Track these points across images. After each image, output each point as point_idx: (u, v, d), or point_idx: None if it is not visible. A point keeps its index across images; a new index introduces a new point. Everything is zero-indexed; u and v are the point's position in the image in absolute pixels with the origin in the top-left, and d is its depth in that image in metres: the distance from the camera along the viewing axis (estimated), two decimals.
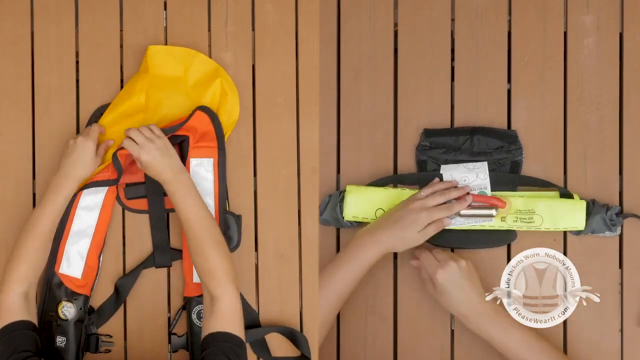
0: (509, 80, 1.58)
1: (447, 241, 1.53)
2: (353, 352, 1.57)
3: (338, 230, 1.58)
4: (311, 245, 1.52)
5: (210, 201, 1.49)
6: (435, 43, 1.59)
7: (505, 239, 1.54)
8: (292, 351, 1.51)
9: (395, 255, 1.58)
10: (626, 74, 1.57)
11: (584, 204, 1.51)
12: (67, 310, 1.45)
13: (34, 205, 1.51)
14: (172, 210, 1.50)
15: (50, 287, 1.46)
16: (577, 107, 1.57)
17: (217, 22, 1.54)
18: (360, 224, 1.56)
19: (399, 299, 1.58)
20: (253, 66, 1.54)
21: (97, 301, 1.50)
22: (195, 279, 1.48)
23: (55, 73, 1.52)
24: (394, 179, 1.57)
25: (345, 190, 1.55)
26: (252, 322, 1.51)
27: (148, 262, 1.51)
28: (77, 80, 1.53)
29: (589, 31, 1.57)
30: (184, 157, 1.49)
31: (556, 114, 1.57)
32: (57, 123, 1.51)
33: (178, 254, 1.51)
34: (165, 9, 1.54)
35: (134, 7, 1.54)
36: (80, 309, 1.46)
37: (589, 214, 1.51)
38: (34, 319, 1.36)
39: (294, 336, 1.50)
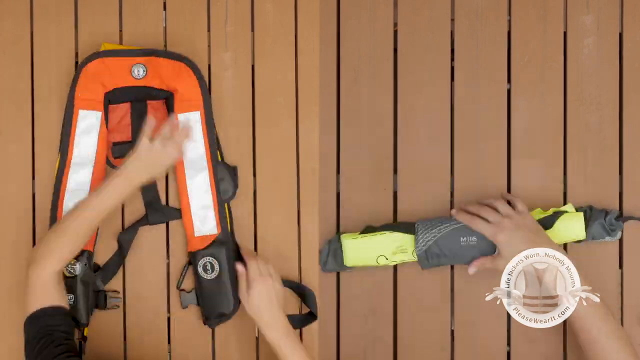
0: (509, 80, 1.58)
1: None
2: (353, 352, 1.57)
3: (338, 228, 1.58)
4: (311, 246, 1.52)
5: (202, 149, 1.49)
6: (435, 43, 1.59)
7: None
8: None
9: None
10: (626, 74, 1.57)
11: (581, 215, 1.51)
12: (72, 267, 1.44)
13: (34, 205, 1.51)
14: None
15: None
16: (577, 107, 1.57)
17: (217, 22, 1.54)
18: (363, 267, 1.55)
19: (399, 299, 1.58)
20: (253, 66, 1.54)
21: (100, 259, 1.50)
22: (197, 232, 1.49)
23: (55, 73, 1.52)
24: (387, 227, 1.54)
25: (341, 237, 1.54)
26: None
27: (143, 220, 1.51)
28: None
29: (589, 31, 1.57)
30: (170, 113, 1.49)
31: (556, 114, 1.57)
32: (57, 123, 1.51)
33: (173, 212, 1.51)
34: (165, 9, 1.54)
35: (134, 7, 1.54)
36: (85, 265, 1.45)
37: (587, 221, 1.51)
38: (66, 303, 1.36)
39: (303, 292, 1.51)
